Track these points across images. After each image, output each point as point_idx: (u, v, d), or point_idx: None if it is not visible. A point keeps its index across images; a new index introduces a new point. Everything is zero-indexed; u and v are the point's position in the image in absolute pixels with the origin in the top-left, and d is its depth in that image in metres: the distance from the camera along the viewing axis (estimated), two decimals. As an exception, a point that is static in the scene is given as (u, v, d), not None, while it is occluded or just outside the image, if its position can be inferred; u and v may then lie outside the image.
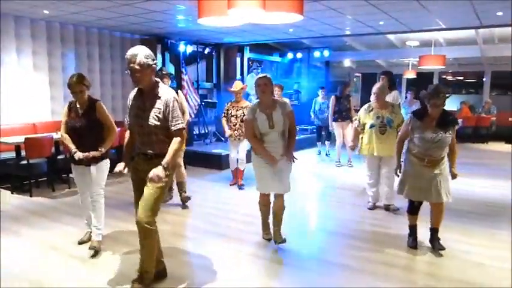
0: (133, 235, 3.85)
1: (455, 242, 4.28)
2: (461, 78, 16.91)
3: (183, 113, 4.98)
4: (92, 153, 3.90)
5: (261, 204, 4.24)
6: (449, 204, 5.55)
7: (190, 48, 10.03)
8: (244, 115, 5.98)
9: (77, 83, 3.89)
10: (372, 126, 5.13)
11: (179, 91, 5.38)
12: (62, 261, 3.80)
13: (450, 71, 15.82)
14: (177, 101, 3.04)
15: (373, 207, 5.44)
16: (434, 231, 4.07)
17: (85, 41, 8.23)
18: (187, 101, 9.48)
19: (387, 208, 5.33)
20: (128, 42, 9.11)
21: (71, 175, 6.82)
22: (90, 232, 4.19)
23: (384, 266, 3.71)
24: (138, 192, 3.15)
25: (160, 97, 3.01)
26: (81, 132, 3.97)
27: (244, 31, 8.57)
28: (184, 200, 5.51)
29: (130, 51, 2.96)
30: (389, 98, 6.02)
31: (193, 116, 9.74)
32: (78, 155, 3.88)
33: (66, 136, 4.05)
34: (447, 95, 3.75)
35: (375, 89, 5.16)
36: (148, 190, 3.02)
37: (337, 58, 14.33)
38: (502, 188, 6.63)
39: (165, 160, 2.97)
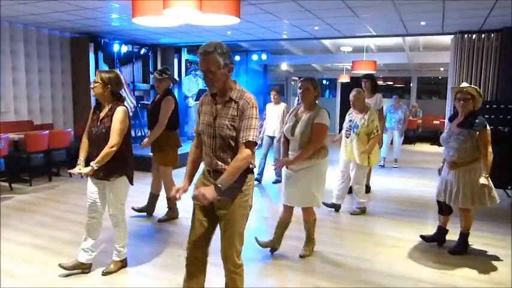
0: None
1: (387, 237, 4.52)
2: (391, 83, 17.88)
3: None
4: (83, 170, 3.26)
5: (280, 215, 3.97)
6: (380, 203, 5.85)
7: (125, 48, 9.70)
8: None
9: (97, 74, 3.41)
10: (342, 129, 5.37)
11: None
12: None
13: (381, 76, 16.66)
14: (256, 107, 2.47)
15: (332, 206, 5.41)
16: (460, 235, 4.13)
17: (8, 37, 7.60)
18: (122, 102, 9.16)
19: (355, 213, 5.38)
20: (57, 40, 8.61)
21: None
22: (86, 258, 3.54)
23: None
24: (201, 219, 2.60)
25: (237, 102, 2.46)
26: (96, 141, 3.40)
27: (181, 32, 8.43)
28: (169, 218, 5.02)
29: (203, 48, 2.43)
30: (372, 101, 6.18)
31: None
32: (73, 170, 3.32)
33: (84, 141, 3.51)
34: (473, 89, 3.82)
35: (351, 96, 5.24)
36: (230, 224, 2.52)
37: (274, 62, 14.55)
38: (430, 186, 7.07)
39: (221, 179, 2.37)
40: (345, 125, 5.34)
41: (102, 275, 3.48)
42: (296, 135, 3.66)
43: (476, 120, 3.77)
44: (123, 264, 3.61)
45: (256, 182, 6.80)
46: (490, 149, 3.73)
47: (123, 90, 9.46)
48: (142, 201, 5.19)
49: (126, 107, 3.49)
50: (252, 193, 2.60)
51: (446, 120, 4.16)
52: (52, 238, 4.36)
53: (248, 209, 2.59)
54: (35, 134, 6.95)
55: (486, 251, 4.18)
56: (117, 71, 3.93)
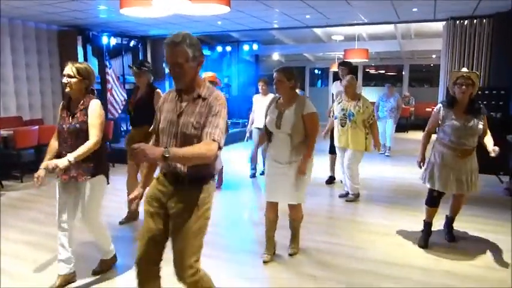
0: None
1: (381, 225, 4.53)
2: (383, 71, 17.89)
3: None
4: (56, 162, 2.86)
5: (265, 215, 3.71)
6: (373, 192, 5.84)
7: (114, 41, 9.57)
8: None
9: (70, 67, 3.08)
10: (335, 117, 5.32)
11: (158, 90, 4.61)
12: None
13: (373, 64, 16.65)
14: (225, 107, 2.26)
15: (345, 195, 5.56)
16: (449, 220, 4.14)
17: (-7, 32, 7.49)
18: (112, 96, 9.08)
19: (350, 200, 5.45)
20: (44, 33, 8.48)
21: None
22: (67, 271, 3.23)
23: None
24: (153, 226, 2.30)
25: (205, 98, 2.25)
26: (68, 138, 3.07)
27: (171, 23, 8.33)
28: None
29: (170, 38, 2.19)
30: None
31: (119, 112, 9.35)
32: (39, 173, 2.89)
33: (52, 144, 3.16)
34: (475, 74, 3.72)
35: (344, 81, 5.26)
36: (184, 236, 2.23)
37: (266, 52, 14.49)
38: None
39: (174, 149, 2.02)
40: (337, 114, 5.30)
41: (92, 274, 3.36)
42: (284, 129, 3.46)
43: (481, 106, 3.77)
44: (112, 261, 3.48)
45: (251, 178, 6.87)
46: None
47: (113, 83, 9.39)
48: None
49: (99, 100, 3.20)
50: (211, 203, 2.34)
51: (439, 107, 3.91)
52: (45, 235, 4.29)
53: (207, 220, 2.32)
54: (24, 129, 6.84)
55: (480, 236, 4.20)
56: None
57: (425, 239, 4.02)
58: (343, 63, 6.48)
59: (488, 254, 3.81)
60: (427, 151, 4.07)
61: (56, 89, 8.82)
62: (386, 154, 8.97)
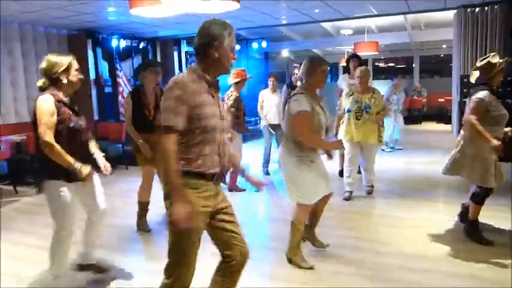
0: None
1: (399, 218, 4.46)
2: (393, 64, 17.72)
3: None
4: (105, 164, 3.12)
5: (307, 217, 3.49)
6: (390, 184, 5.75)
7: (123, 43, 9.58)
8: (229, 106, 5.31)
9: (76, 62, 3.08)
10: (348, 110, 5.04)
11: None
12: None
13: (382, 57, 16.49)
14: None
15: (349, 198, 5.16)
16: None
17: (3, 37, 7.46)
18: (123, 98, 9.10)
19: (369, 192, 5.32)
20: (54, 38, 8.51)
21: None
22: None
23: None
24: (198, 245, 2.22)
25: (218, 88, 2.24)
26: (83, 137, 3.02)
27: (180, 23, 8.31)
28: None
29: (229, 26, 2.11)
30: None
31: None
32: (84, 170, 2.91)
33: (57, 146, 2.83)
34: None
35: (358, 72, 5.09)
36: (236, 222, 2.32)
37: (275, 49, 14.43)
38: (438, 164, 6.97)
39: None
40: (351, 107, 5.04)
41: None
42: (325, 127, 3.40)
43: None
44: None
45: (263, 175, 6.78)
46: None
47: (125, 86, 9.34)
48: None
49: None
50: None
51: (485, 95, 3.49)
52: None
53: None
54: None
55: (506, 227, 4.10)
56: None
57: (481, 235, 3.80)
58: (353, 56, 6.50)
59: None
60: (447, 148, 4.01)
61: (67, 93, 8.85)
62: (397, 148, 8.79)
